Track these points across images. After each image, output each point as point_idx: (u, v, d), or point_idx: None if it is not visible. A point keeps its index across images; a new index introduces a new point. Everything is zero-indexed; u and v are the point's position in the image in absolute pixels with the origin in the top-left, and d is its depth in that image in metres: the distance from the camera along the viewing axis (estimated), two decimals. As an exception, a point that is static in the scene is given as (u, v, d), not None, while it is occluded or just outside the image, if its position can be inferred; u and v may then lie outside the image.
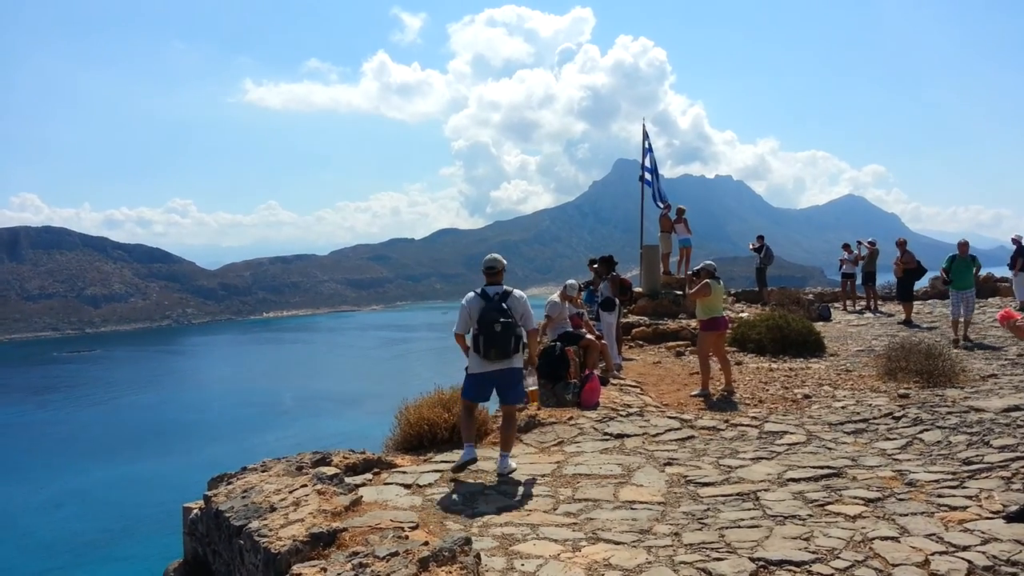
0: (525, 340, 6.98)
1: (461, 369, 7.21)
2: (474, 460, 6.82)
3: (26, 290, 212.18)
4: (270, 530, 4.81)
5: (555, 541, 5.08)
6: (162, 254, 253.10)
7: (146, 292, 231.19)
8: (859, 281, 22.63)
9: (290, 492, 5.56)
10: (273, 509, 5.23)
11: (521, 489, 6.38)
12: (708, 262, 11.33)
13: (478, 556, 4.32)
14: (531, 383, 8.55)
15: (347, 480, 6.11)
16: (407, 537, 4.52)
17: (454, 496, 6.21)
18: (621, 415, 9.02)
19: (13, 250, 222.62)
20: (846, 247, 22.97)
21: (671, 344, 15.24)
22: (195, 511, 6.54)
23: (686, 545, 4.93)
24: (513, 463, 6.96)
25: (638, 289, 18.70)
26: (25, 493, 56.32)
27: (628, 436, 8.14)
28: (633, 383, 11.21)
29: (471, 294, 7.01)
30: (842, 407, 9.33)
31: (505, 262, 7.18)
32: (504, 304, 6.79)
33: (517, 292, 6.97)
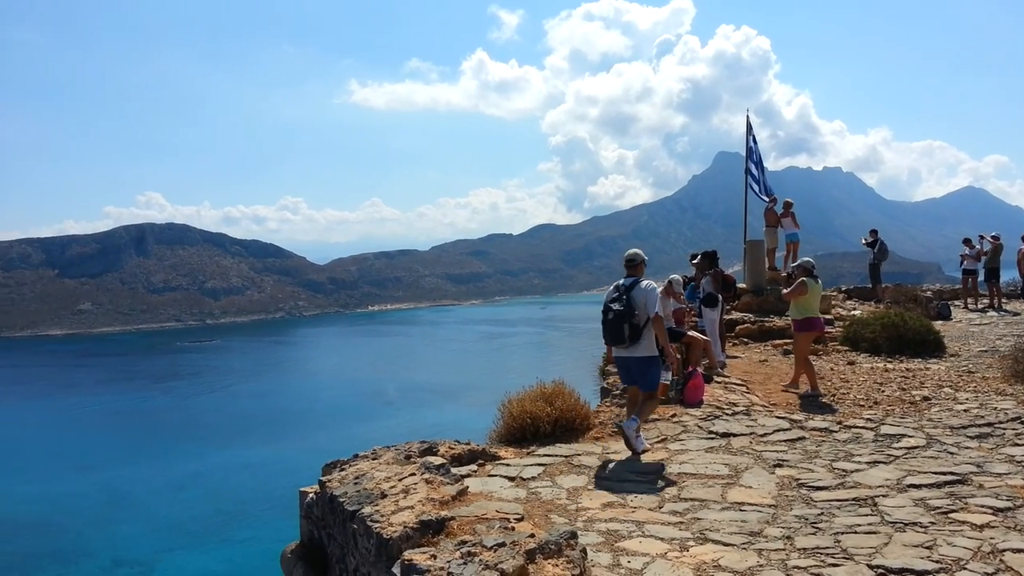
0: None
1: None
2: (634, 426, 7.13)
3: (152, 283, 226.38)
4: (382, 516, 4.97)
5: (661, 539, 5.03)
6: (275, 249, 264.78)
7: (261, 285, 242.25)
8: (981, 278, 21.33)
9: (399, 480, 5.73)
10: (384, 496, 5.40)
11: (625, 486, 6.36)
12: (806, 259, 11.00)
13: (584, 550, 4.33)
14: (664, 376, 8.53)
15: (453, 470, 6.24)
16: (513, 528, 4.57)
17: (557, 490, 6.24)
18: (727, 414, 8.83)
19: (140, 246, 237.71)
20: (967, 242, 21.68)
21: (777, 342, 14.76)
22: (311, 495, 6.83)
23: (799, 549, 4.79)
24: (645, 442, 7.28)
25: (742, 285, 18.22)
26: (150, 475, 60.32)
27: (734, 435, 7.96)
28: (738, 381, 10.93)
29: (613, 284, 7.53)
30: (964, 410, 8.84)
31: (644, 256, 7.53)
32: (627, 294, 7.15)
33: (645, 282, 7.28)
